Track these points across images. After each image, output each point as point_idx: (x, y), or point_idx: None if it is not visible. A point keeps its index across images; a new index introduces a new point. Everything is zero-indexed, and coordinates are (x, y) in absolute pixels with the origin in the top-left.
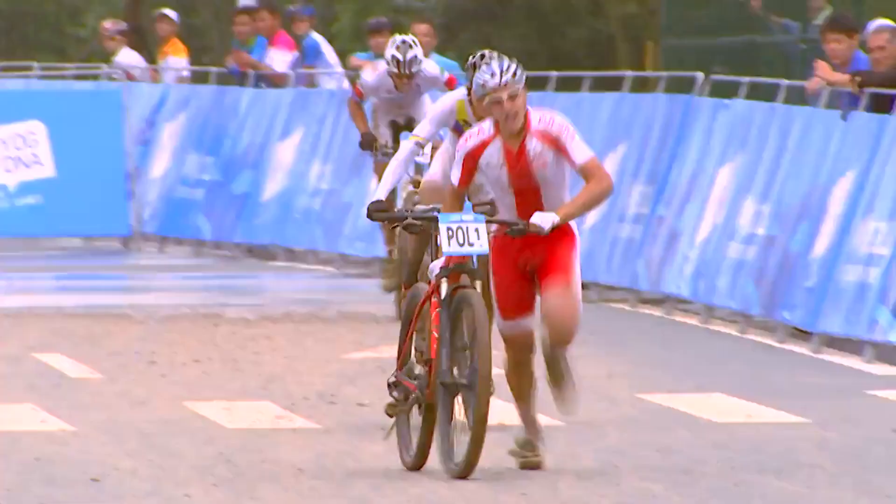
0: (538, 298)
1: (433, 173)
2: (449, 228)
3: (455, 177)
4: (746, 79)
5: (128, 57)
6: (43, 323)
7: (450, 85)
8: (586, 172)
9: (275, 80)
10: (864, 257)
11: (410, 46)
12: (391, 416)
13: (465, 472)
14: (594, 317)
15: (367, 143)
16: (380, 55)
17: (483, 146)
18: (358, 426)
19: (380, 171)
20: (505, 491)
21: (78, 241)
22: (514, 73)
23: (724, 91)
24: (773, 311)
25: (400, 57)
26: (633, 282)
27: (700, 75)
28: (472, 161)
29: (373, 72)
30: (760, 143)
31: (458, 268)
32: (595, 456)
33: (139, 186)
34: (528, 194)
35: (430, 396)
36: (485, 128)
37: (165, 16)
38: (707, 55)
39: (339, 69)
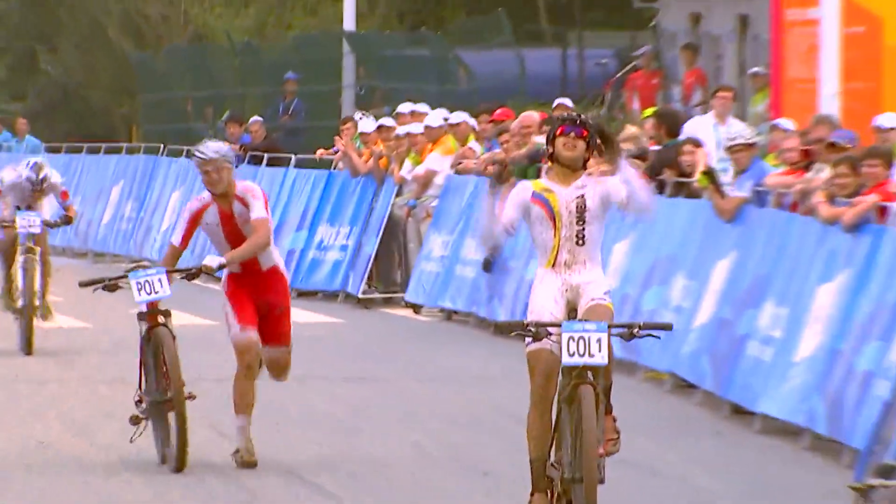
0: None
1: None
2: (138, 283)
3: (177, 237)
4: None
5: None
6: None
7: (64, 197)
8: (254, 227)
9: None
10: None
11: (41, 169)
12: (134, 425)
13: (178, 467)
14: None
15: None
16: None
17: (204, 208)
18: None
19: (5, 243)
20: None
21: None
22: (222, 154)
23: (179, 154)
24: None
25: (34, 177)
26: None
27: (162, 146)
28: (193, 221)
29: (12, 171)
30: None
31: (152, 311)
32: None
33: None
34: (240, 244)
35: (157, 408)
36: (205, 196)
37: None
38: (168, 134)
39: None
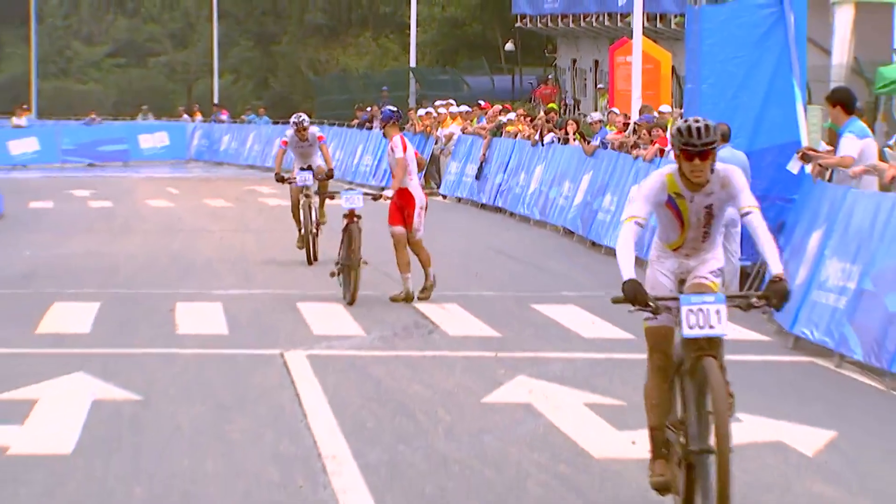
0: (404, 233)
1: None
2: (345, 196)
3: (403, 154)
4: None
5: None
6: None
7: (320, 139)
8: (397, 163)
9: None
10: None
11: (301, 115)
12: (332, 276)
13: (350, 302)
14: None
15: (279, 179)
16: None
17: (402, 145)
18: None
19: (293, 193)
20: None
21: None
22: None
23: (332, 125)
24: None
25: (297, 119)
26: None
27: (326, 122)
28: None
29: (290, 129)
30: None
31: (350, 213)
32: None
33: None
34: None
35: (345, 269)
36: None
37: None
38: (329, 117)
39: None
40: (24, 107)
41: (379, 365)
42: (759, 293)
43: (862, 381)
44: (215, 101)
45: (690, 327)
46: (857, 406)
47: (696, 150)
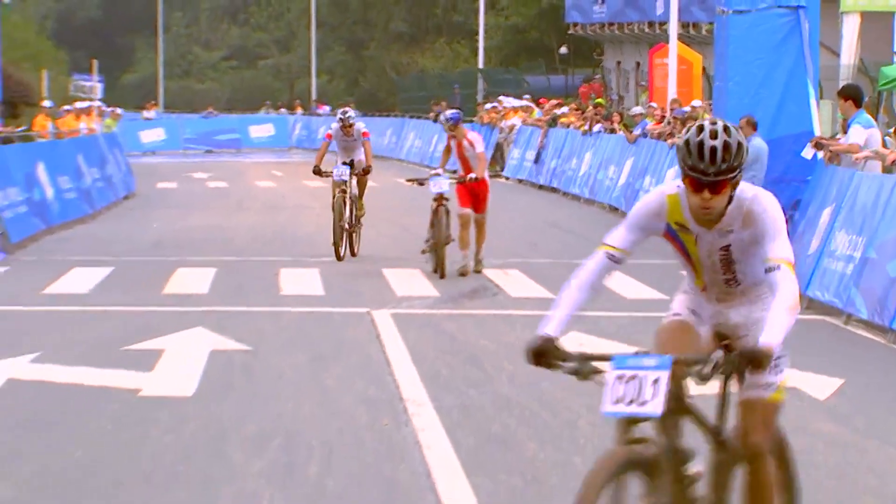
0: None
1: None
2: (431, 181)
3: (442, 160)
4: None
5: None
6: None
7: (365, 135)
8: (478, 158)
9: None
10: None
11: (347, 112)
12: (422, 253)
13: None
14: None
15: (316, 172)
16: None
17: (449, 143)
18: None
19: (333, 187)
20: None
21: None
22: (455, 120)
23: (413, 117)
24: None
25: (342, 115)
26: None
27: (408, 115)
28: (448, 149)
29: (335, 122)
30: None
31: (439, 196)
32: None
33: None
34: (464, 160)
35: (435, 246)
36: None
37: None
38: (410, 110)
39: None
40: (153, 102)
41: (452, 322)
42: (722, 358)
43: (866, 336)
44: (313, 97)
45: (614, 402)
46: (862, 357)
47: (706, 179)
